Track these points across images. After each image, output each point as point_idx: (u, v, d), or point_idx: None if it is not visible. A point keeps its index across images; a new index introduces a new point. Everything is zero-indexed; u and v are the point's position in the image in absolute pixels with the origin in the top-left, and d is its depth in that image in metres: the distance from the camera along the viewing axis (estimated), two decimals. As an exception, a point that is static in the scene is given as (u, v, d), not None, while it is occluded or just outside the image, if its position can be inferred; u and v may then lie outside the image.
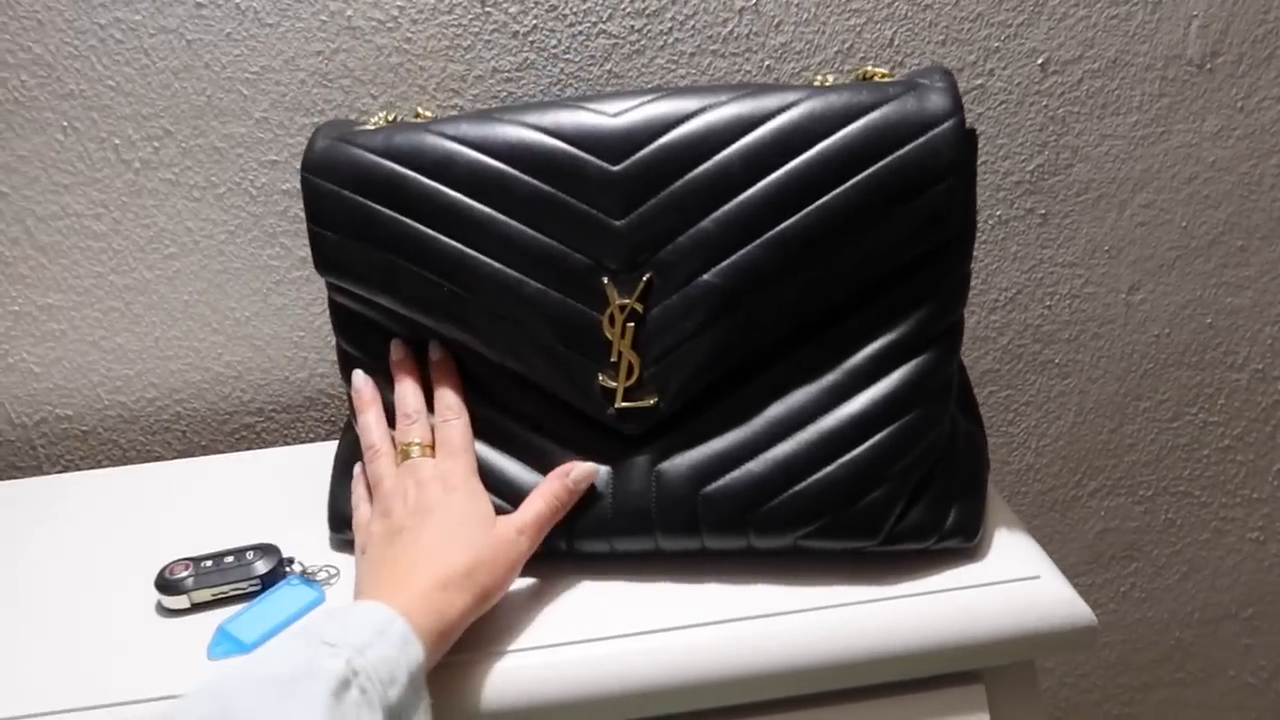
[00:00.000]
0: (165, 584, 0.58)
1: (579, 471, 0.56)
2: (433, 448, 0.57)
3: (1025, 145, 0.79)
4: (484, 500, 0.56)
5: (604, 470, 0.57)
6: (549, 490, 0.56)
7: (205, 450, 0.81)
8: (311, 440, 0.81)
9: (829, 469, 0.55)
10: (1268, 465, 0.96)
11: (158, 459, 0.81)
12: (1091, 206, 0.82)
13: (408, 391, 0.59)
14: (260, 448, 0.81)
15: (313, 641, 0.44)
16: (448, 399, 0.58)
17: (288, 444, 0.81)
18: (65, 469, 0.80)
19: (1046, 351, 0.88)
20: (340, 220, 0.57)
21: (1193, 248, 0.85)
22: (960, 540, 0.57)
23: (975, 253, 0.82)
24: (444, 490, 0.55)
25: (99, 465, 0.81)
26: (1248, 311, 0.88)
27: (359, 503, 0.59)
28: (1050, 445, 0.92)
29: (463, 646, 0.52)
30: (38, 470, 0.80)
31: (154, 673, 0.53)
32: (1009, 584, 0.56)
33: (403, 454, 0.57)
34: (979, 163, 0.78)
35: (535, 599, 0.57)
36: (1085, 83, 0.77)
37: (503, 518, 0.55)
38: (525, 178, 0.55)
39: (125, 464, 0.81)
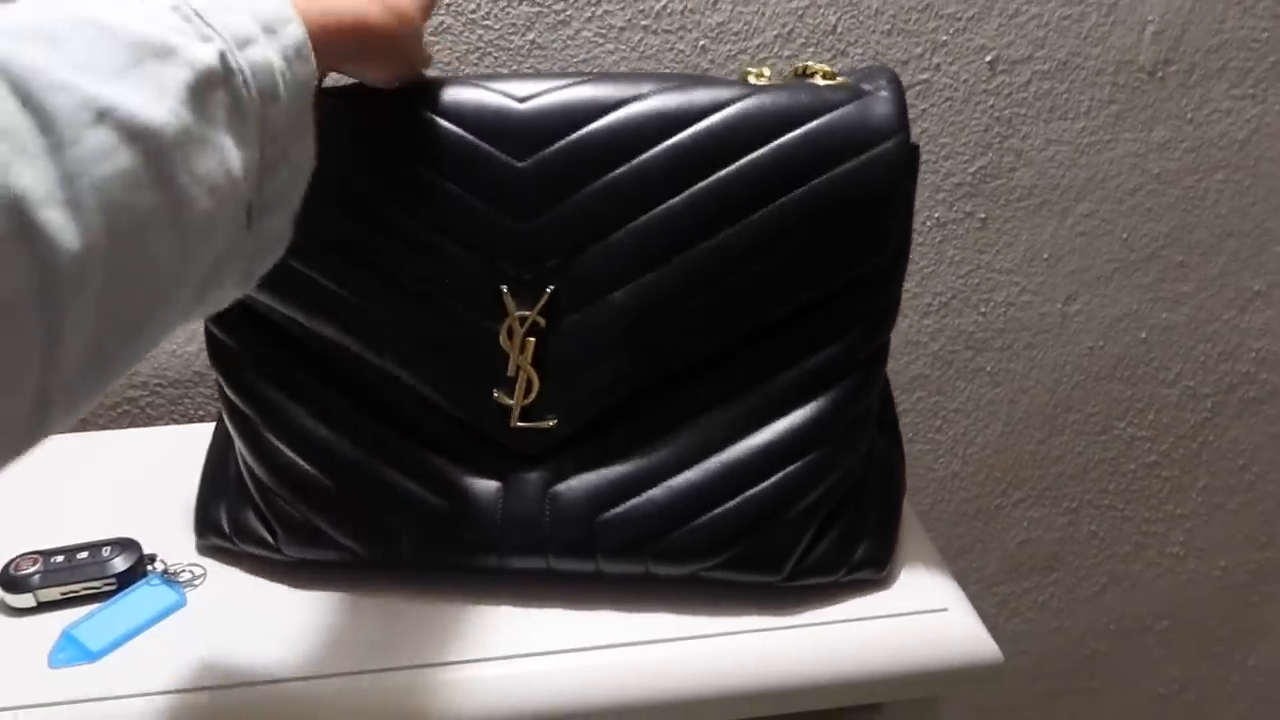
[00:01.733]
0: (9, 580, 0.53)
1: None
2: None
3: (968, 146, 0.76)
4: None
5: (494, 486, 0.52)
6: None
7: (84, 425, 0.75)
8: (201, 419, 0.76)
9: (734, 502, 0.51)
10: (1192, 482, 0.95)
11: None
12: (1033, 213, 0.79)
13: None
14: (145, 425, 0.76)
15: (178, 9, 0.33)
16: None
17: (175, 422, 0.76)
18: None
19: (979, 359, 0.85)
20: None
21: (1132, 260, 0.83)
22: (869, 572, 0.54)
23: (911, 255, 0.79)
24: None
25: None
26: (1183, 328, 0.87)
27: None
28: (977, 453, 0.90)
29: (343, 664, 0.48)
30: None
31: (-17, 683, 0.48)
32: (916, 616, 0.53)
33: None
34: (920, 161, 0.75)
35: (420, 616, 0.53)
36: (1034, 84, 0.74)
37: None
38: (416, 166, 0.49)
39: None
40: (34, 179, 0.27)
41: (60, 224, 0.28)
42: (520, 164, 0.49)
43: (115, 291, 0.30)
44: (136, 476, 0.64)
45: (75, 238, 0.28)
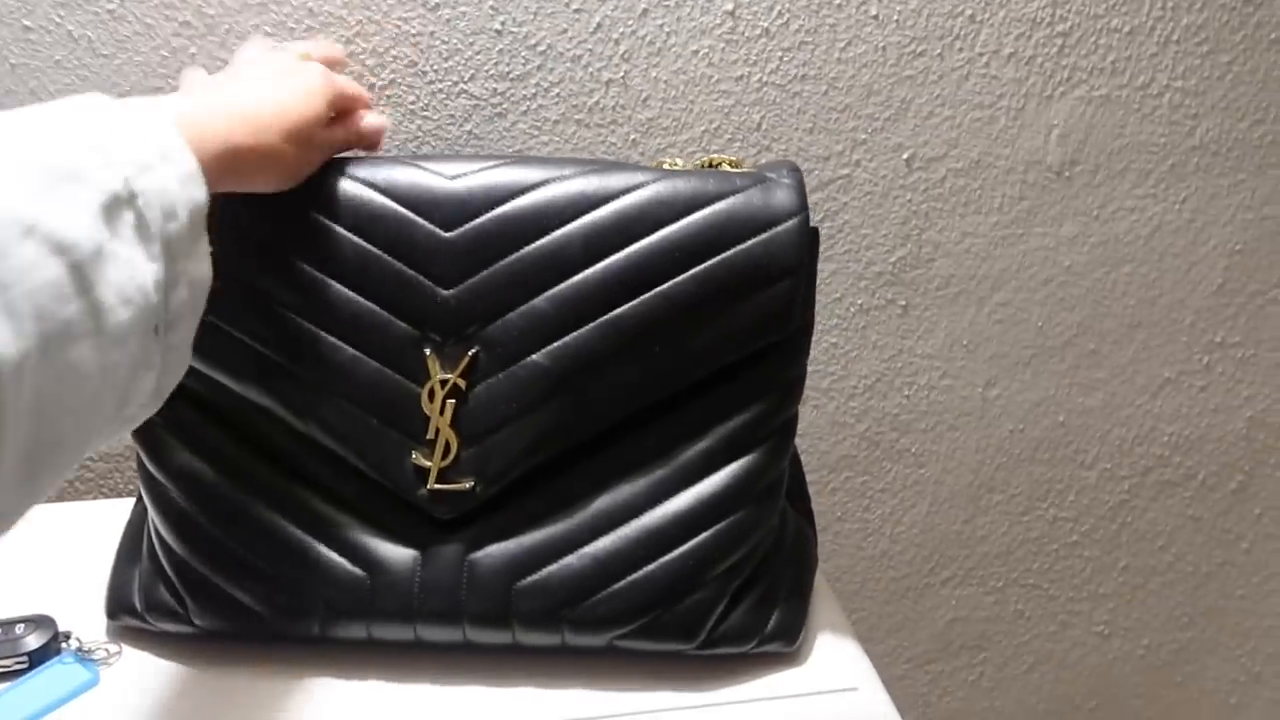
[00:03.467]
0: (-80, 656, 0.52)
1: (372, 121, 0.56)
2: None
3: (888, 237, 0.79)
4: (324, 100, 0.51)
5: (411, 554, 0.53)
6: (345, 129, 0.55)
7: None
8: (128, 494, 0.76)
9: (649, 568, 0.53)
10: (1113, 562, 0.98)
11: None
12: (951, 301, 0.83)
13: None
14: (72, 499, 0.75)
15: (87, 141, 0.36)
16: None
17: (103, 495, 0.76)
18: None
19: (904, 440, 0.88)
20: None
21: (1048, 347, 0.86)
22: (781, 645, 0.55)
23: (836, 339, 0.82)
24: (292, 65, 0.52)
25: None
26: (1098, 412, 0.90)
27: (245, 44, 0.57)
28: (905, 533, 0.92)
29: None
30: None
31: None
32: (827, 695, 0.54)
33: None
34: (842, 250, 0.79)
35: (334, 695, 0.53)
36: (948, 180, 0.78)
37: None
38: (349, 235, 0.52)
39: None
40: None
41: None
42: (447, 234, 0.52)
43: (46, 399, 0.32)
44: (59, 551, 0.64)
45: (10, 345, 0.30)
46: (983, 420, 0.88)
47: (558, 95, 0.70)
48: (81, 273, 0.33)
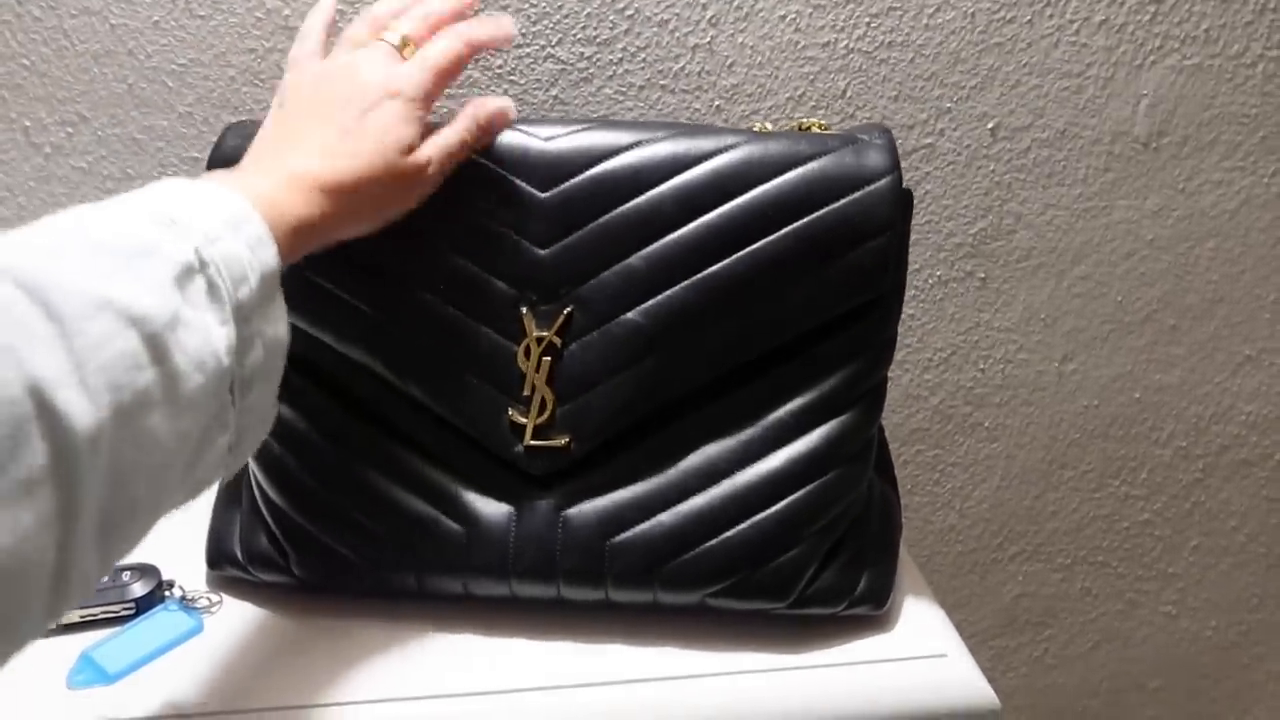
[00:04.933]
0: (30, 600, 0.54)
1: (491, 105, 0.52)
2: (412, 49, 0.51)
3: (969, 208, 0.78)
4: (412, 130, 0.49)
5: (506, 510, 0.54)
6: (459, 124, 0.51)
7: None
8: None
9: (741, 527, 0.53)
10: (1184, 541, 0.97)
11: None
12: (1031, 274, 0.82)
13: None
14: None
15: (157, 218, 0.37)
16: (458, 28, 0.52)
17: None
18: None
19: (977, 414, 0.87)
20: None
21: (1126, 323, 0.85)
22: (870, 607, 0.55)
23: (913, 311, 0.81)
24: (383, 93, 0.48)
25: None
26: (1175, 389, 0.89)
27: (308, 33, 0.53)
28: (974, 507, 0.92)
29: (353, 693, 0.48)
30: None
31: (5, 700, 0.49)
32: (915, 660, 0.54)
33: (377, 33, 0.51)
34: (923, 221, 0.78)
35: (431, 647, 0.54)
36: (1033, 151, 0.77)
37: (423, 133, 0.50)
38: (451, 195, 0.52)
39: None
40: (49, 364, 0.31)
41: (74, 404, 0.31)
42: (543, 194, 0.53)
43: (121, 466, 0.33)
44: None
45: (87, 415, 0.31)
46: (1057, 395, 0.87)
47: (643, 60, 0.70)
48: (155, 342, 0.34)
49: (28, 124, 0.67)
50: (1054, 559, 0.96)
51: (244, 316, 0.38)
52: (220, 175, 0.43)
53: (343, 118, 0.47)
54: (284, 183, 0.43)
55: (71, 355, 0.31)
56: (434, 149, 0.49)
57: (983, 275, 0.81)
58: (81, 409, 0.31)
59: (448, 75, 0.51)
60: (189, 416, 0.36)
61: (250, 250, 0.39)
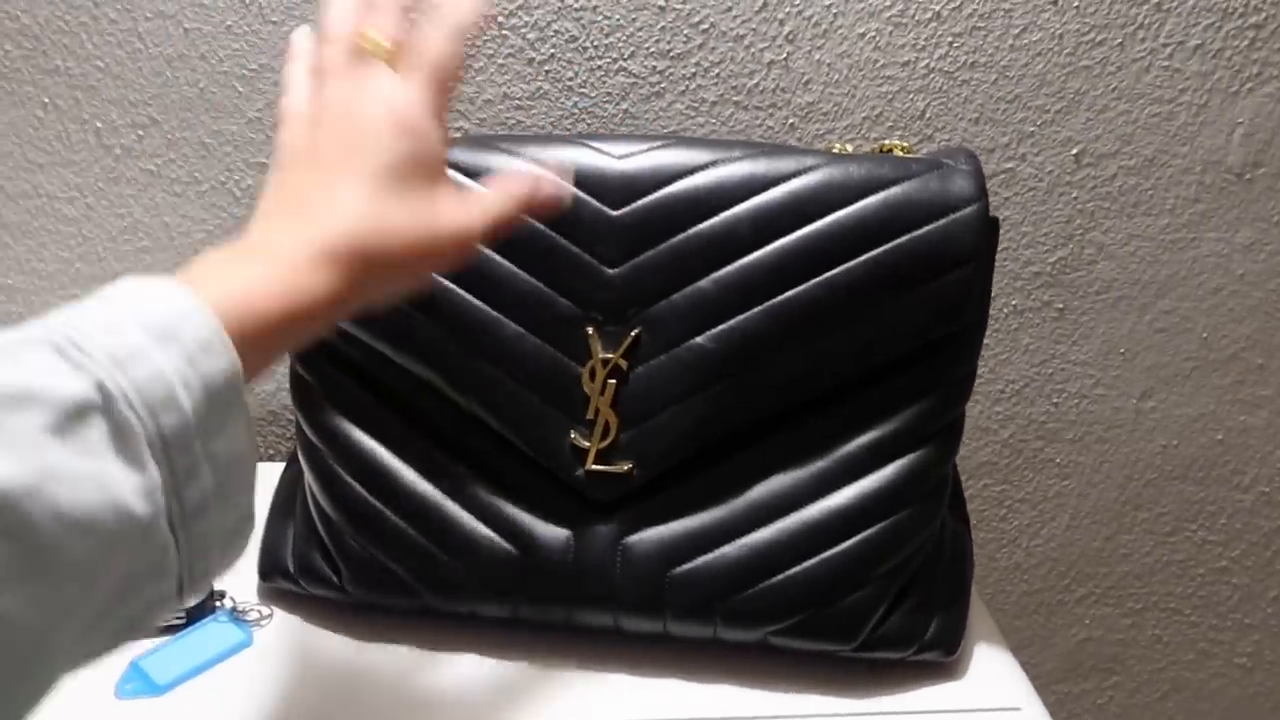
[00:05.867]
0: (82, 605, 0.53)
1: (547, 188, 0.44)
2: (399, 51, 0.42)
3: (1050, 236, 0.76)
4: (435, 147, 0.41)
5: (565, 535, 0.52)
6: (509, 183, 0.43)
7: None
8: (272, 458, 0.77)
9: (809, 563, 0.51)
10: (1263, 591, 0.92)
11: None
12: (1111, 306, 0.78)
13: None
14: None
15: (57, 345, 0.31)
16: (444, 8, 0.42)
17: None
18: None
19: (1048, 450, 0.84)
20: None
21: (1211, 360, 0.81)
22: (940, 654, 0.53)
23: (986, 340, 0.78)
24: (390, 132, 0.40)
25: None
26: (1260, 431, 0.85)
27: (291, 83, 0.44)
28: (1041, 546, 0.88)
29: (391, 715, 0.47)
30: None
31: (52, 707, 0.48)
32: (987, 713, 0.52)
33: (355, 49, 0.42)
34: (1000, 248, 0.75)
35: (476, 671, 0.52)
36: (1119, 179, 0.74)
37: (452, 192, 0.41)
38: None
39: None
40: None
41: None
42: (614, 213, 0.51)
43: None
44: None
45: None
46: (1134, 433, 0.84)
47: (717, 75, 0.69)
48: (6, 511, 0.28)
49: (99, 125, 0.68)
50: (1124, 603, 0.92)
51: (179, 445, 0.32)
52: (213, 257, 0.36)
53: (350, 171, 0.40)
54: (288, 258, 0.37)
55: None
56: (479, 210, 0.42)
57: (1060, 306, 0.78)
58: None
59: (452, 79, 0.42)
60: (73, 588, 0.30)
61: (187, 361, 0.32)
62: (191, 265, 0.36)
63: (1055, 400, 0.82)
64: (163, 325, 0.32)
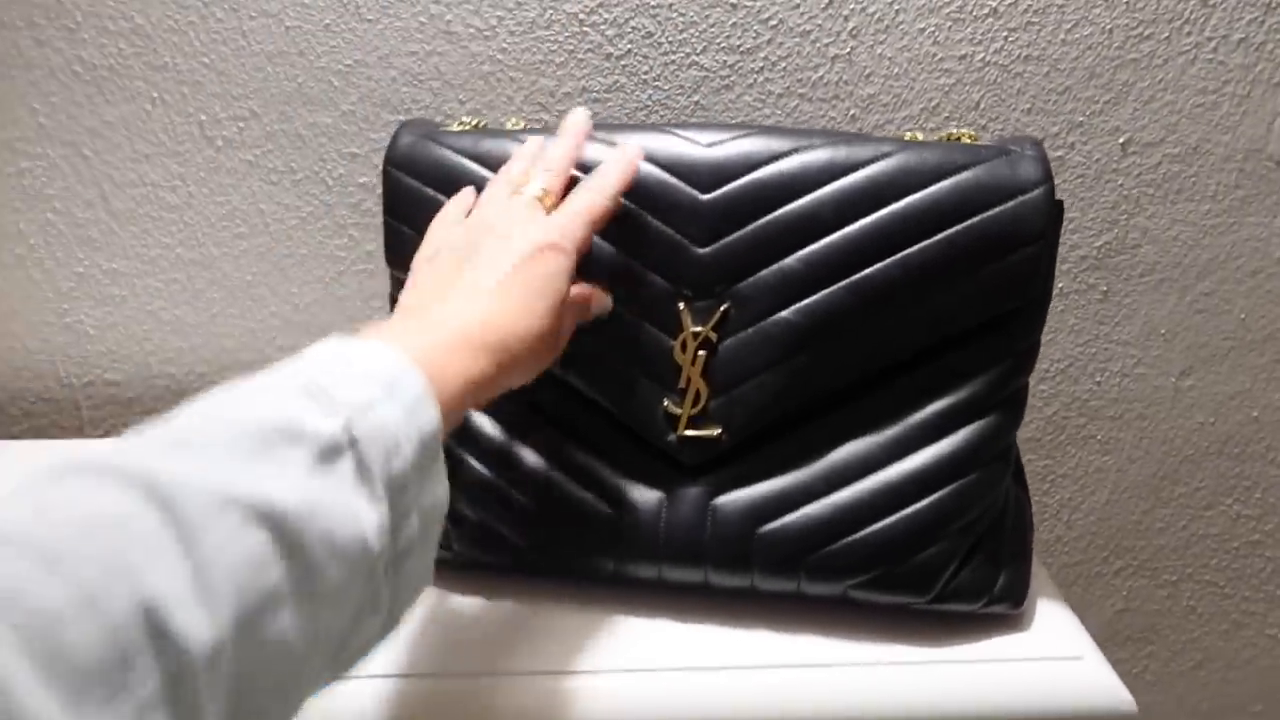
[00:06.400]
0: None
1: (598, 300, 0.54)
2: (555, 201, 0.51)
3: (1096, 221, 0.79)
4: (568, 283, 0.48)
5: (658, 496, 0.56)
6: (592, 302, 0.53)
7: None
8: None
9: (887, 521, 0.55)
10: (1296, 564, 0.96)
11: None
12: (1153, 289, 0.82)
13: (539, 141, 0.54)
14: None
15: (307, 389, 0.35)
16: (602, 169, 0.52)
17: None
18: (106, 433, 0.81)
19: (1090, 426, 0.88)
20: (418, 216, 0.57)
21: (1248, 340, 0.85)
22: (1007, 606, 0.57)
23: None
24: (539, 245, 0.47)
25: (140, 433, 0.81)
26: (1295, 409, 0.88)
27: (452, 209, 0.54)
28: (1082, 519, 0.92)
29: (498, 666, 0.51)
30: (79, 432, 0.80)
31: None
32: (1052, 661, 0.55)
33: (514, 190, 0.51)
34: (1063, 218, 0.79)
35: (574, 624, 0.56)
36: (1163, 166, 0.78)
37: (568, 304, 0.49)
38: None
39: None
40: (166, 581, 0.28)
41: (191, 623, 0.28)
42: (704, 196, 0.55)
43: (245, 678, 0.30)
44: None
45: (206, 632, 0.29)
46: (1173, 411, 0.87)
47: (784, 69, 0.72)
48: (287, 535, 0.31)
49: (204, 118, 0.72)
50: (1159, 576, 0.96)
51: (398, 489, 0.35)
52: (376, 329, 0.41)
53: (499, 271, 0.46)
54: (445, 340, 0.41)
55: (191, 564, 0.29)
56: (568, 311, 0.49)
57: (1105, 288, 0.82)
58: (199, 627, 0.28)
59: (596, 226, 0.51)
60: (328, 613, 0.33)
61: (407, 414, 0.36)
62: (367, 330, 0.40)
63: (1098, 379, 0.86)
64: (388, 379, 0.36)
